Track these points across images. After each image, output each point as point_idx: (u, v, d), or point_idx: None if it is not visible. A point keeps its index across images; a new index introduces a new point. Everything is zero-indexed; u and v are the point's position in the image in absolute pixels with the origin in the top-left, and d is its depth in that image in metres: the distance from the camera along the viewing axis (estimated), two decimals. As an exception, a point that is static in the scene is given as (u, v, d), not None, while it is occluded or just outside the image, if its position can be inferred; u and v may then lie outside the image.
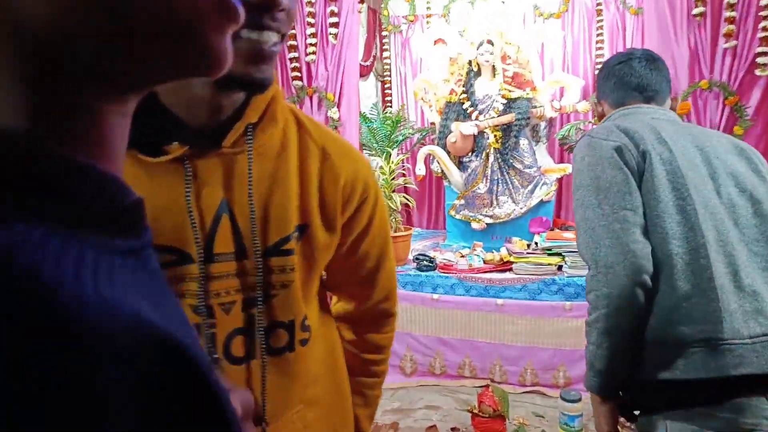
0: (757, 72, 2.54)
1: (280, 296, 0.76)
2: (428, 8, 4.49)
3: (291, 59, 3.15)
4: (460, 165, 3.64)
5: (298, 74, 3.14)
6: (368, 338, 0.97)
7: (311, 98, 3.12)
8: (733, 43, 2.55)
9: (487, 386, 2.92)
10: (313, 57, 3.12)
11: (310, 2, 3.08)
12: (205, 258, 0.71)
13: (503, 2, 3.89)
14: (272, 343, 0.77)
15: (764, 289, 1.10)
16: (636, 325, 1.12)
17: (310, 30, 3.10)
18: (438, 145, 3.63)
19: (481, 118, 3.48)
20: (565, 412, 2.73)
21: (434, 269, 3.31)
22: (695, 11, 2.56)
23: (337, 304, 0.99)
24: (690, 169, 1.17)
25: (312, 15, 3.10)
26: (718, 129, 2.65)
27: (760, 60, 2.52)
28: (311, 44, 3.11)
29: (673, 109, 1.46)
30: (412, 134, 4.12)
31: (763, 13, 2.48)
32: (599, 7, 4.15)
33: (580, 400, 2.72)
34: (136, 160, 0.67)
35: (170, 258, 0.70)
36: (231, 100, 0.69)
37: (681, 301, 1.07)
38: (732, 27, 2.53)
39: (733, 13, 2.52)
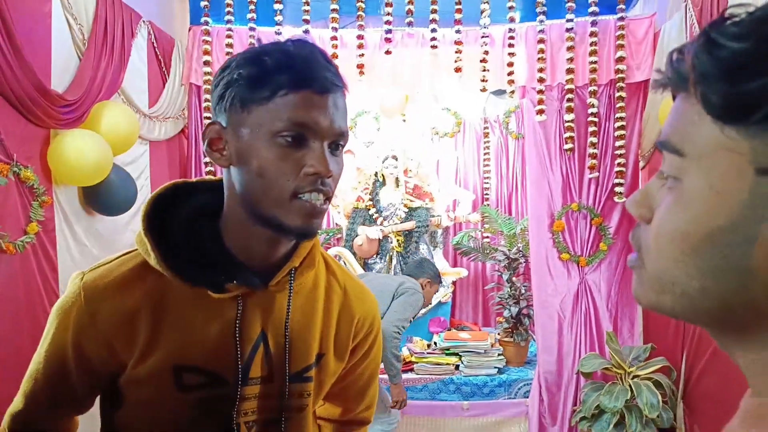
0: (616, 199, 3.05)
1: (294, 419, 0.87)
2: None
3: (206, 163, 3.25)
4: (366, 266, 3.83)
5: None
6: None
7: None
8: (596, 174, 3.06)
9: (391, 491, 2.93)
10: (228, 161, 3.23)
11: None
12: (242, 381, 0.80)
13: (404, 121, 4.33)
14: None
15: None
16: None
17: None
18: (345, 247, 3.81)
19: (385, 224, 3.74)
20: None
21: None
22: (566, 147, 3.06)
23: (322, 407, 1.07)
24: None
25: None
26: (587, 245, 3.10)
27: (617, 189, 3.05)
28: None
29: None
30: (319, 234, 4.27)
31: (618, 152, 3.03)
32: (486, 130, 4.73)
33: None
34: (203, 294, 0.78)
35: (204, 380, 0.79)
36: (283, 248, 0.82)
37: None
38: (594, 161, 3.05)
39: (595, 151, 3.05)
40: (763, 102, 0.34)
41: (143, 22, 2.96)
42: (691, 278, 0.39)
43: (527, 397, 3.17)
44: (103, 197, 2.47)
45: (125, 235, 2.84)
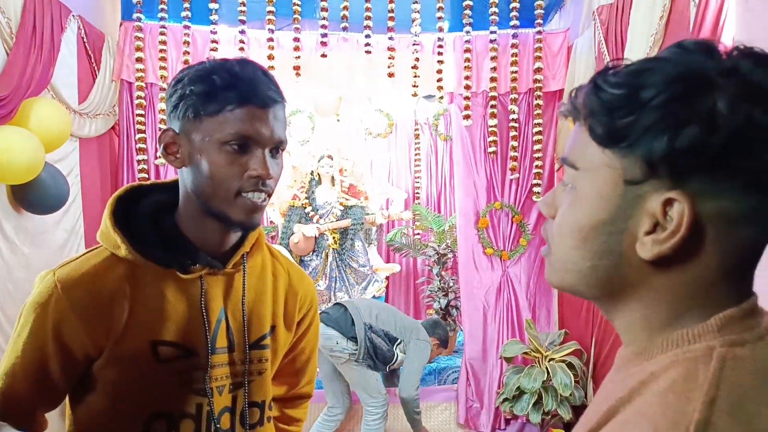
0: (534, 198, 3.33)
1: (256, 381, 1.00)
2: (270, 117, 4.86)
3: (139, 161, 3.22)
4: (301, 263, 3.91)
5: (146, 176, 3.21)
6: (291, 413, 1.18)
7: (159, 198, 3.19)
8: (516, 175, 3.32)
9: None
10: (162, 161, 3.23)
11: (162, 110, 3.23)
12: (210, 351, 0.92)
13: (338, 121, 4.44)
14: (249, 420, 0.99)
15: None
16: None
17: (161, 134, 3.23)
18: (281, 244, 3.87)
19: (321, 222, 3.84)
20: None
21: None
22: (490, 150, 3.30)
23: None
24: None
25: (164, 122, 3.24)
26: (509, 240, 3.36)
27: (535, 189, 3.32)
28: (162, 147, 3.23)
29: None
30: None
31: (536, 155, 3.30)
32: (417, 132, 4.94)
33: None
34: (170, 277, 0.90)
35: (178, 353, 0.90)
36: (234, 236, 0.96)
37: None
38: (515, 164, 3.31)
39: (516, 154, 3.31)
40: (630, 133, 0.48)
41: (73, 16, 2.90)
42: (585, 259, 0.54)
43: (456, 383, 3.39)
44: (33, 195, 2.42)
45: (56, 233, 2.78)
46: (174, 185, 0.96)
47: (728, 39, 1.91)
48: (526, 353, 3.11)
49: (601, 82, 0.51)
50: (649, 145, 0.47)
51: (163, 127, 3.17)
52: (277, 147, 0.89)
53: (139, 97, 3.24)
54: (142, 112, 3.25)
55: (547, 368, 3.00)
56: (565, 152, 0.56)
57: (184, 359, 0.91)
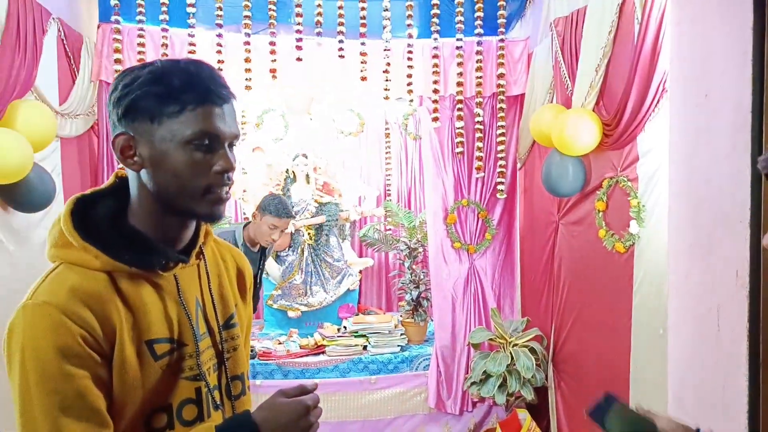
0: (498, 195, 3.56)
1: (233, 357, 1.07)
2: (243, 117, 4.94)
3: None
4: (278, 259, 4.05)
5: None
6: None
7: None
8: (482, 174, 3.54)
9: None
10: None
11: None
12: (196, 338, 0.98)
13: (311, 119, 4.58)
14: (233, 392, 1.06)
15: None
16: None
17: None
18: (257, 241, 4.00)
19: (297, 218, 3.99)
20: (375, 475, 3.16)
21: (254, 357, 3.56)
22: (457, 150, 3.51)
23: None
24: None
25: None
26: (475, 235, 3.58)
27: (499, 187, 3.55)
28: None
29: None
30: (230, 228, 4.40)
31: (499, 155, 3.53)
32: (387, 131, 5.11)
33: (386, 461, 3.19)
34: (145, 279, 0.93)
35: (171, 347, 0.94)
36: (190, 230, 1.00)
37: None
38: (480, 163, 3.53)
39: (481, 154, 3.53)
40: None
41: (53, 18, 2.97)
42: None
43: (427, 370, 3.59)
44: (21, 194, 2.50)
45: (38, 230, 2.85)
46: (114, 189, 0.97)
47: (665, 51, 2.16)
48: (491, 340, 3.34)
49: None
50: None
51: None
52: (233, 141, 0.94)
53: (118, 98, 3.31)
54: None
55: (511, 353, 3.22)
56: None
57: (175, 351, 0.95)
